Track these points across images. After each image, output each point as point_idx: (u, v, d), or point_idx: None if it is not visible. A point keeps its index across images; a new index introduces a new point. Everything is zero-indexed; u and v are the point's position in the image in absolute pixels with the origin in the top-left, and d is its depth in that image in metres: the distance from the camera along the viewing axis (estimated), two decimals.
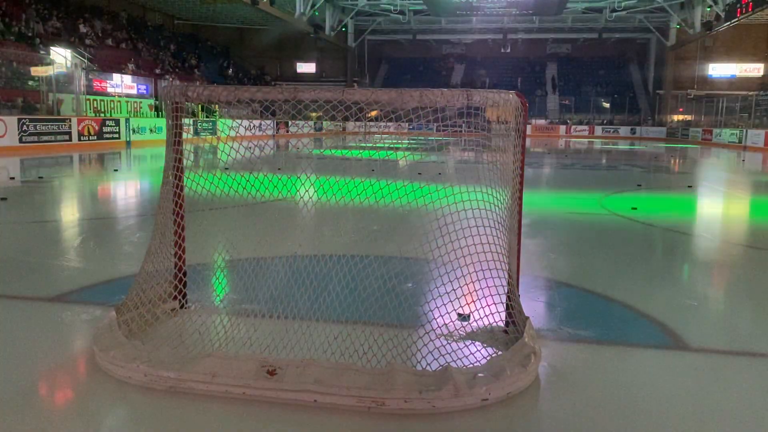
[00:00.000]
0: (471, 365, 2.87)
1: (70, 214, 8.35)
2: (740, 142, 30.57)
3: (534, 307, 3.89)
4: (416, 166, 13.68)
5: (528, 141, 4.20)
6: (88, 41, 30.57)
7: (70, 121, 20.98)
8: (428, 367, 2.85)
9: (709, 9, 38.45)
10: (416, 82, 50.00)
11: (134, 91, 28.54)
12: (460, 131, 3.16)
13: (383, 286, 3.57)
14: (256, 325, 3.33)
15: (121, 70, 29.50)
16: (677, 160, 22.70)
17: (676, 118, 46.75)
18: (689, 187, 12.18)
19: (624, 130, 46.24)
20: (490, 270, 3.18)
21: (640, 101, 50.25)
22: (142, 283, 3.37)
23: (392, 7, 46.02)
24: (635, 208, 8.80)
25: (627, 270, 5.21)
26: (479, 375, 2.68)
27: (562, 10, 43.19)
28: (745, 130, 30.78)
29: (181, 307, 3.58)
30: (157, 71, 34.34)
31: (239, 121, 3.62)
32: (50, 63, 23.29)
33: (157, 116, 26.91)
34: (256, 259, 3.95)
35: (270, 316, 3.42)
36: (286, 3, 40.08)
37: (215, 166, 3.46)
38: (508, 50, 50.01)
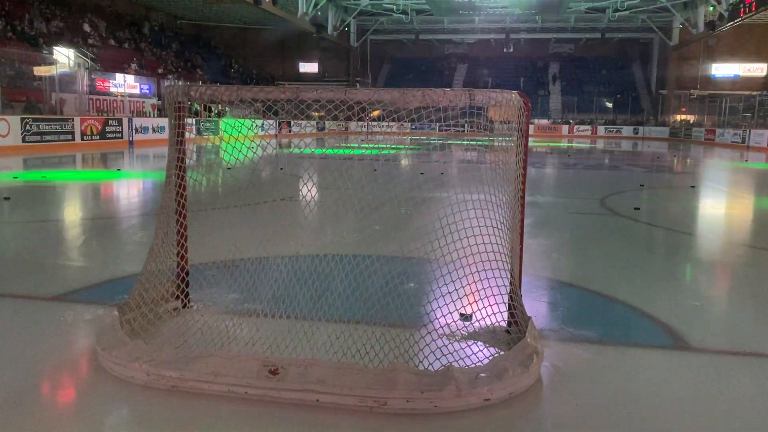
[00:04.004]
0: (473, 365, 2.87)
1: (72, 213, 8.37)
2: (743, 142, 30.50)
3: (536, 307, 3.89)
4: (418, 166, 13.68)
5: (530, 141, 4.19)
6: (91, 41, 30.62)
7: (73, 120, 21.02)
8: (430, 367, 2.85)
9: (712, 9, 38.36)
10: (419, 82, 49.97)
11: (137, 91, 28.58)
12: (463, 131, 3.16)
13: (385, 286, 3.57)
14: (258, 324, 3.33)
15: (124, 70, 29.55)
16: (680, 160, 22.66)
17: (679, 118, 46.66)
18: (692, 187, 12.16)
19: (627, 130, 46.16)
20: (492, 270, 3.18)
21: (642, 101, 50.15)
22: (145, 283, 3.37)
23: (395, 7, 46.00)
24: (638, 208, 8.78)
25: (629, 270, 5.20)
26: (481, 375, 2.68)
27: (564, 10, 43.14)
28: (748, 130, 30.70)
29: (184, 306, 3.59)
30: (160, 71, 34.38)
31: (242, 120, 3.62)
32: (53, 63, 23.32)
33: (160, 116, 26.94)
34: (258, 259, 3.95)
35: (272, 316, 3.42)
36: (288, 3, 40.08)
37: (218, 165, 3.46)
38: (511, 50, 49.98)
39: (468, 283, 3.22)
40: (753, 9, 32.54)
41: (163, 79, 31.72)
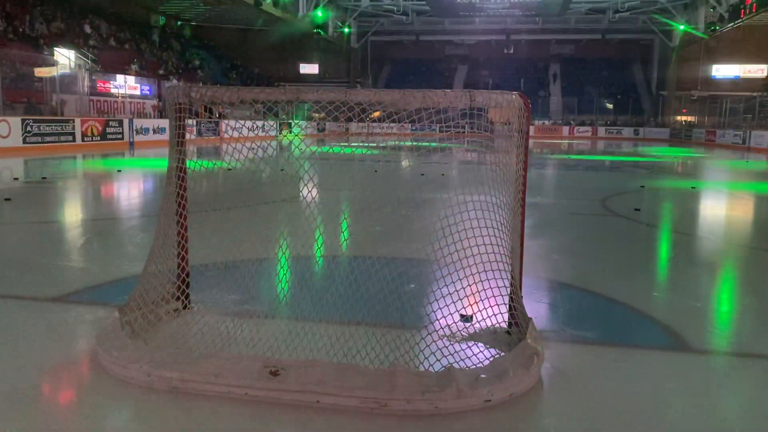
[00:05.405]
0: (474, 366, 2.87)
1: (73, 214, 8.37)
2: (744, 143, 30.49)
3: (537, 308, 3.89)
4: (419, 167, 13.68)
5: (531, 142, 4.19)
6: (92, 42, 30.64)
7: (74, 121, 21.04)
8: (431, 368, 2.85)
9: (713, 10, 38.36)
10: (419, 83, 49.96)
11: (138, 92, 28.60)
12: (463, 132, 3.16)
13: (386, 287, 3.57)
14: (259, 325, 3.33)
15: (124, 71, 29.55)
16: (680, 161, 22.65)
17: (679, 119, 46.64)
18: (692, 188, 12.15)
19: (627, 131, 46.15)
20: (492, 271, 3.18)
21: (643, 102, 50.14)
22: (146, 284, 3.37)
23: (395, 8, 46.02)
24: (638, 209, 8.78)
25: (630, 271, 5.20)
26: (482, 376, 2.68)
27: (565, 11, 43.15)
28: (748, 131, 30.69)
29: (184, 307, 3.59)
30: (161, 72, 34.39)
31: (242, 122, 3.62)
32: (54, 64, 23.35)
33: (161, 117, 26.95)
34: (259, 260, 3.95)
35: (273, 317, 3.42)
36: (289, 4, 40.11)
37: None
38: (511, 51, 49.96)
39: (468, 284, 3.23)
40: (753, 10, 32.56)
41: (164, 81, 31.72)
